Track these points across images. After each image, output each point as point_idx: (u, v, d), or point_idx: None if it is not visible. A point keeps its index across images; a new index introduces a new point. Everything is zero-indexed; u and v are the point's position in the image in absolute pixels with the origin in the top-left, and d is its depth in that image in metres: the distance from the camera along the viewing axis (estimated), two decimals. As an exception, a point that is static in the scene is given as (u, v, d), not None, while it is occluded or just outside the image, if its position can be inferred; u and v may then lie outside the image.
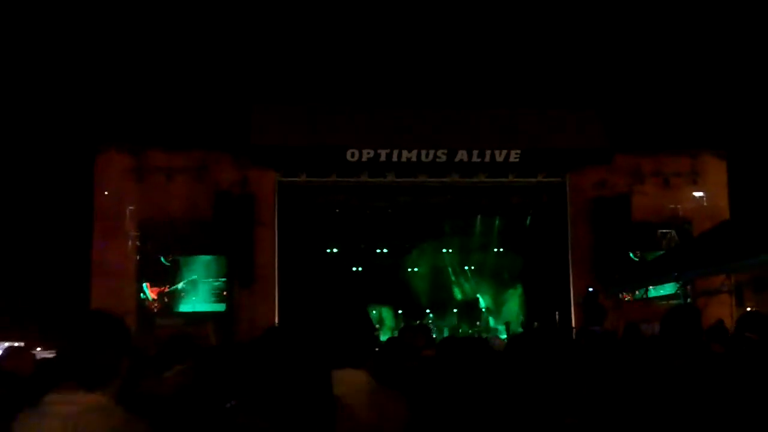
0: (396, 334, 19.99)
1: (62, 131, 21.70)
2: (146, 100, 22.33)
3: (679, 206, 20.33)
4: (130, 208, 18.97)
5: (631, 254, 20.07)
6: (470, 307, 25.04)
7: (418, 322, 21.34)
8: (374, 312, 22.33)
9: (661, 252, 19.56)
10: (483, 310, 24.66)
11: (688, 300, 14.63)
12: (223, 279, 19.34)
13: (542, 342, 4.07)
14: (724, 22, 21.48)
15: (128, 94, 22.34)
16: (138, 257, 19.14)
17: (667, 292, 18.77)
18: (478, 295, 25.25)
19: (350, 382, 3.05)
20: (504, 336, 19.08)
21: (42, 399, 2.75)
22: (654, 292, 18.80)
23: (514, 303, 23.37)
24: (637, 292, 18.73)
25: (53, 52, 21.78)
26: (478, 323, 24.11)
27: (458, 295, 25.62)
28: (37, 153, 22.13)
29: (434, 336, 12.59)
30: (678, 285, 17.37)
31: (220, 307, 19.30)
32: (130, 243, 19.01)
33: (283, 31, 23.50)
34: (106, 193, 19.04)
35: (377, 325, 21.19)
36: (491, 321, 23.89)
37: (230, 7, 23.07)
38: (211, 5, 22.58)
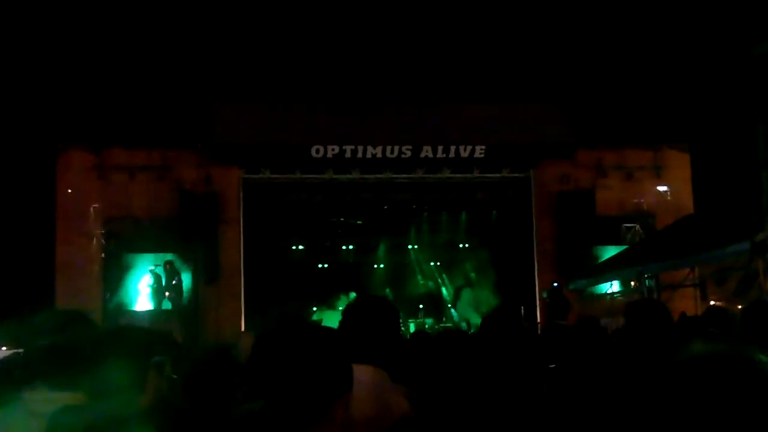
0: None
1: (22, 129, 21.39)
2: (107, 98, 22.10)
3: (642, 200, 20.46)
4: (94, 206, 18.78)
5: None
6: (436, 302, 25.06)
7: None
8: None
9: (625, 246, 19.69)
10: (449, 305, 24.71)
11: (654, 294, 14.67)
12: (189, 277, 19.19)
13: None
14: (685, 16, 21.71)
15: (89, 92, 22.07)
16: (102, 256, 18.95)
17: (618, 288, 18.87)
18: (443, 291, 25.30)
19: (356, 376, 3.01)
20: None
21: (18, 397, 2.72)
22: (603, 288, 18.89)
23: (479, 297, 23.40)
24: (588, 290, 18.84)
25: (11, 49, 21.46)
26: (443, 318, 24.15)
27: (423, 290, 25.62)
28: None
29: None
30: (628, 280, 17.49)
31: (186, 305, 19.14)
32: (94, 242, 18.82)
33: (246, 28, 23.38)
34: (68, 192, 18.86)
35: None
36: (456, 316, 23.94)
37: (191, 5, 22.89)
38: (171, 2, 22.39)
